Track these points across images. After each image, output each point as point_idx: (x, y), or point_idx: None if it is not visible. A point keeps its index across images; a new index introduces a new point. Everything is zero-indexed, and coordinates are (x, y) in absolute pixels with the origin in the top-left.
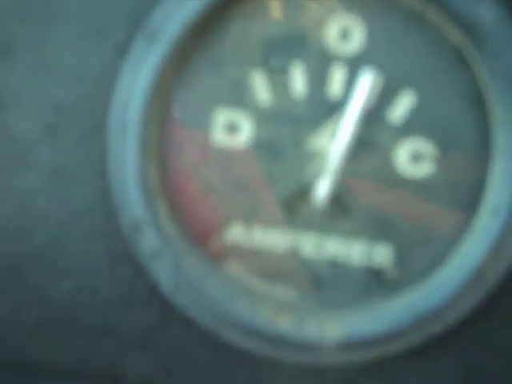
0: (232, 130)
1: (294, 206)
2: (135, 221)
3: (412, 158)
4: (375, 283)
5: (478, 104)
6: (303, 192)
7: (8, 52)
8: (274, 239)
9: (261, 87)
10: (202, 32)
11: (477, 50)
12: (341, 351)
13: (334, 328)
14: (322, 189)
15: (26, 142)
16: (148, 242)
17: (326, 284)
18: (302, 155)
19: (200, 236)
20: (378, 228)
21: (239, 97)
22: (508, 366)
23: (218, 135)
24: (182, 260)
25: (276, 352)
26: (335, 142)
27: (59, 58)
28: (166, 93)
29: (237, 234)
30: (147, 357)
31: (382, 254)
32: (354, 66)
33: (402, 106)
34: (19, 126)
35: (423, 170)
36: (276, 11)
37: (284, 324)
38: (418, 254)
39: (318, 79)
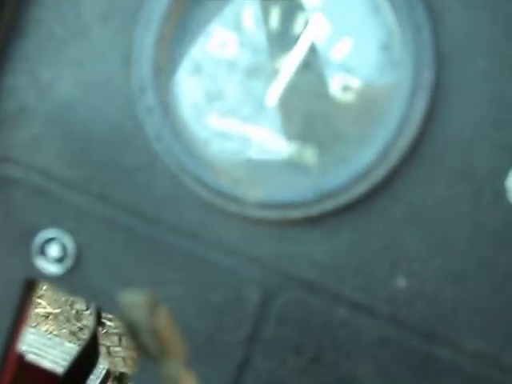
0: (224, 45)
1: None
2: (142, 85)
3: (341, 87)
4: (299, 167)
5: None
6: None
7: None
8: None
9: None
10: None
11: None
12: (260, 208)
13: (257, 191)
14: (274, 95)
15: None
16: (148, 100)
17: (262, 163)
18: (264, 70)
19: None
20: (309, 131)
21: (232, 21)
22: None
23: (213, 46)
24: (167, 119)
25: (216, 200)
26: (288, 64)
27: None
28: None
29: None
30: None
31: (308, 151)
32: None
33: (341, 48)
34: (84, 11)
35: (347, 96)
36: None
37: (224, 181)
38: (332, 152)
39: (288, 20)
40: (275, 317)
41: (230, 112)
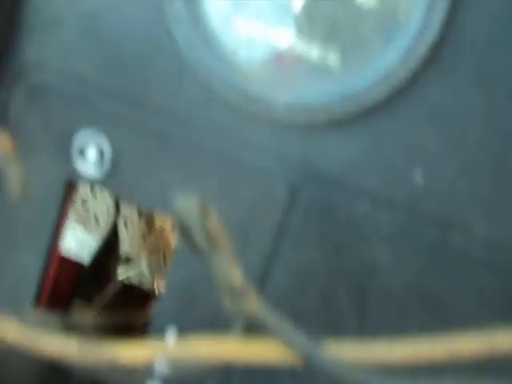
0: None
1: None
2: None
3: None
4: (324, 71)
5: None
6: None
7: None
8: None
9: None
10: None
11: None
12: (286, 111)
13: (284, 95)
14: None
15: None
16: (177, 8)
17: (288, 68)
18: None
19: None
20: (332, 36)
21: None
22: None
23: None
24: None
25: (244, 104)
26: None
27: None
28: None
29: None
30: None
31: (332, 55)
32: None
33: None
34: None
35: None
36: None
37: (252, 86)
38: (355, 57)
39: None
40: (301, 210)
41: (256, 17)
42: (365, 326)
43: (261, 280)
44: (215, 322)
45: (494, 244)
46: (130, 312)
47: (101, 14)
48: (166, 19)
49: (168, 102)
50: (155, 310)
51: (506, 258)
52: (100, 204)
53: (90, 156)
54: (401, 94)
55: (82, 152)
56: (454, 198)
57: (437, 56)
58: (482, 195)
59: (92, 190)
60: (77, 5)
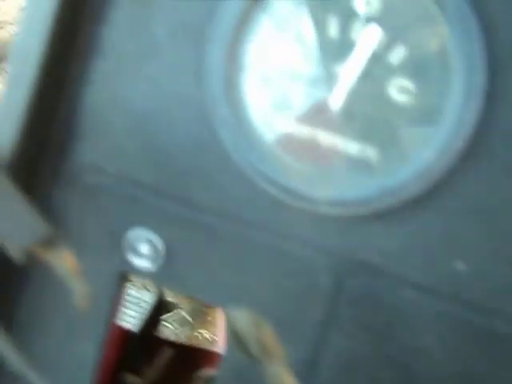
0: (288, 54)
1: (318, 110)
2: (215, 100)
3: (398, 89)
4: (363, 166)
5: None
6: (325, 101)
7: None
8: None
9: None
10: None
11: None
12: (328, 206)
13: (327, 190)
14: (338, 101)
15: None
16: (221, 112)
17: (328, 163)
18: (326, 77)
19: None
20: (370, 132)
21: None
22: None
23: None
24: (240, 130)
25: (289, 199)
26: (348, 71)
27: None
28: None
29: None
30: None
31: (371, 151)
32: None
33: (397, 53)
34: (156, 30)
35: (405, 98)
36: None
37: (296, 182)
38: (393, 153)
39: (345, 28)
40: (347, 299)
41: (297, 118)
42: None
43: (310, 368)
44: None
45: None
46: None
47: (149, 117)
48: (212, 121)
49: (216, 199)
50: None
51: None
52: None
53: (143, 250)
54: (438, 187)
55: (134, 247)
56: (496, 285)
57: (472, 150)
58: None
59: None
60: (127, 109)
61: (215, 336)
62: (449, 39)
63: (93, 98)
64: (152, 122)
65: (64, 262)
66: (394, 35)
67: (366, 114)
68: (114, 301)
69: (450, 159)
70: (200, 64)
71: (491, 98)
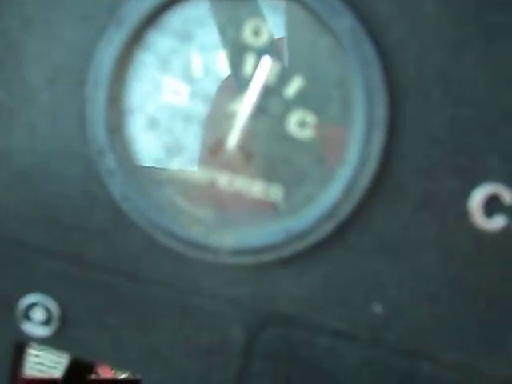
0: (176, 93)
1: (214, 152)
2: (100, 148)
3: (298, 124)
4: (265, 210)
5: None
6: (221, 141)
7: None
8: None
9: (198, 66)
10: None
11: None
12: (233, 255)
13: (229, 238)
14: (233, 140)
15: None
16: (108, 163)
17: (230, 208)
18: (219, 116)
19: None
20: (273, 171)
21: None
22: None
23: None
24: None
25: (190, 251)
26: (243, 107)
27: (60, 33)
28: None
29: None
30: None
31: (275, 190)
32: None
33: (294, 86)
34: (30, 77)
35: (305, 133)
36: None
37: (196, 232)
38: (298, 192)
39: (237, 64)
40: (261, 352)
41: (192, 161)
42: None
43: None
44: None
45: (462, 367)
46: None
47: (30, 170)
48: (99, 172)
49: (110, 255)
50: None
51: (478, 379)
52: None
53: (37, 316)
54: (347, 227)
55: (27, 313)
56: (416, 325)
57: (379, 186)
58: (444, 319)
59: None
60: (3, 164)
61: None
62: (347, 68)
63: None
64: (33, 177)
65: None
66: (289, 67)
67: (266, 151)
68: (13, 372)
69: (357, 196)
70: (82, 110)
71: (395, 129)
